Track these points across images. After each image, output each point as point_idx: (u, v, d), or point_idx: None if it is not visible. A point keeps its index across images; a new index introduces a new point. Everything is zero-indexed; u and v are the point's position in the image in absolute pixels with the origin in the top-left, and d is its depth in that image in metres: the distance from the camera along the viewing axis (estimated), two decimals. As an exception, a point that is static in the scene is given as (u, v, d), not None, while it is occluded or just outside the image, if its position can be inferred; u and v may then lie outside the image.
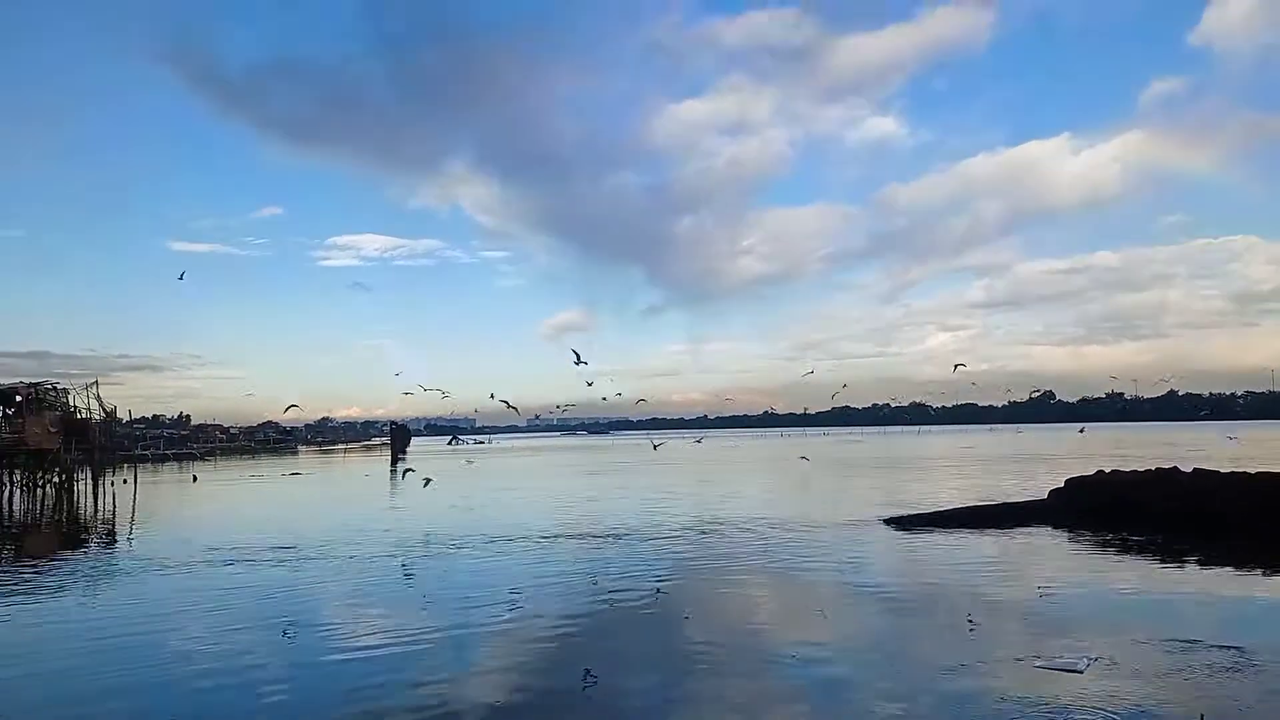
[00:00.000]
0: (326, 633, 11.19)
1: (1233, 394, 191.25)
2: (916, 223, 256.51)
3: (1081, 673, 8.33)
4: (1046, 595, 12.20)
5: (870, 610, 11.77)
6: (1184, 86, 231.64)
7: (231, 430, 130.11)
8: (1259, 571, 13.65)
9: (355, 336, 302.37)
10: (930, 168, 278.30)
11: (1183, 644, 9.20)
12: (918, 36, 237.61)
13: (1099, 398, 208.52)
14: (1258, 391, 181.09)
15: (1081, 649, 9.16)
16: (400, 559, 17.06)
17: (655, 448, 55.45)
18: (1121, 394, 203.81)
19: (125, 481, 44.02)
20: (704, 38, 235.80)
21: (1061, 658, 8.79)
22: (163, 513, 30.92)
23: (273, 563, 16.76)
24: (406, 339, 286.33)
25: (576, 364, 31.95)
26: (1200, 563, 14.46)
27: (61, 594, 14.40)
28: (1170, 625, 10.21)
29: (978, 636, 10.14)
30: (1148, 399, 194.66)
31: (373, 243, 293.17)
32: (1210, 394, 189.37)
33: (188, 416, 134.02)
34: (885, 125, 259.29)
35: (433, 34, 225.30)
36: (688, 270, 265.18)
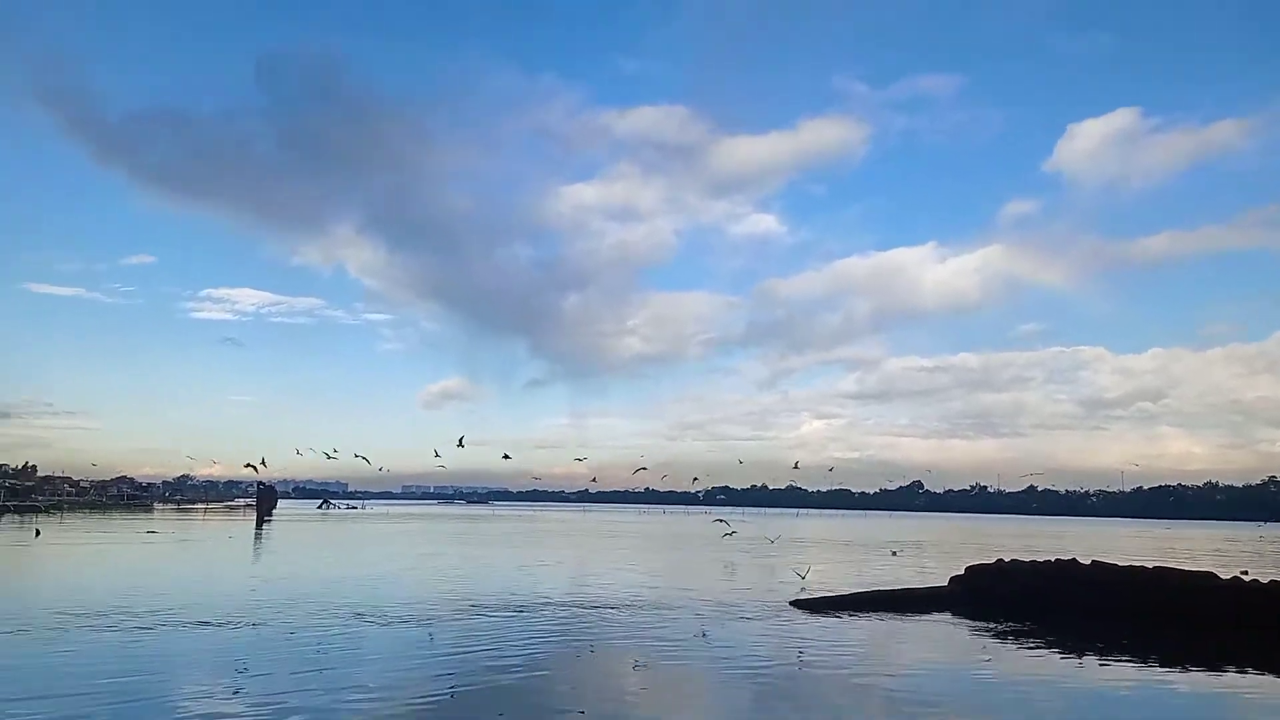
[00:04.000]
0: (171, 707, 10.12)
1: (1085, 491, 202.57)
2: (794, 315, 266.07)
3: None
4: (983, 688, 11.85)
5: (799, 705, 11.13)
6: (1038, 208, 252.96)
7: (82, 484, 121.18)
8: (1189, 666, 13.69)
9: (224, 392, 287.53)
10: (807, 265, 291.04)
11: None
12: (796, 144, 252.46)
13: (964, 489, 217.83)
14: (1109, 490, 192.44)
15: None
16: (262, 630, 15.52)
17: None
18: (985, 486, 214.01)
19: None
20: (594, 127, 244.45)
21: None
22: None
23: (115, 629, 15.07)
24: (280, 398, 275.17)
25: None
26: (1114, 656, 14.49)
27: None
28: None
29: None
30: (1008, 493, 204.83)
31: (249, 298, 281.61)
32: (1066, 491, 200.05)
33: (33, 467, 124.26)
34: (766, 222, 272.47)
35: (325, 98, 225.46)
36: (572, 346, 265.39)
